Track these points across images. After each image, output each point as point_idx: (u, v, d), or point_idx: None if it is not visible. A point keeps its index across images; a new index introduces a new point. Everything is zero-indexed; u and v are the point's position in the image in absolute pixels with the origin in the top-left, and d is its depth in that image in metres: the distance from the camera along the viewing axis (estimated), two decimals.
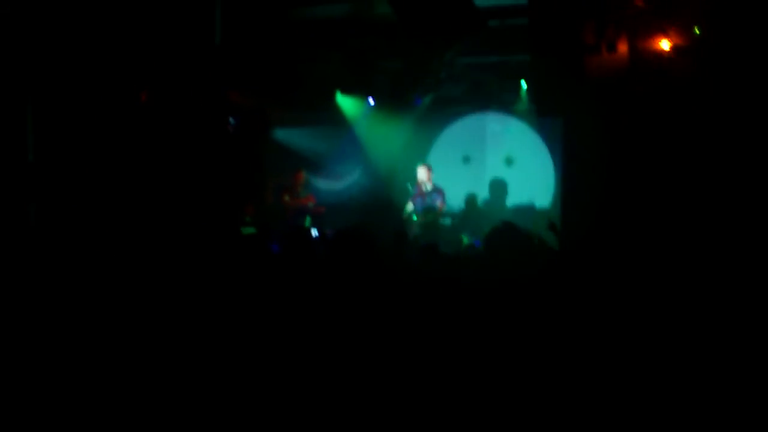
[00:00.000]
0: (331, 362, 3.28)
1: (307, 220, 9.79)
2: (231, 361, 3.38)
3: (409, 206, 9.48)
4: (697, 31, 6.16)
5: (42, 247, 6.27)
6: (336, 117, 11.18)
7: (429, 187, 9.46)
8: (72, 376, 3.38)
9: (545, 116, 9.38)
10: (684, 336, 3.36)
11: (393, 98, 10.78)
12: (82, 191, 7.84)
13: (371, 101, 10.98)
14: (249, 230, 8.85)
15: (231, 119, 10.53)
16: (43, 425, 3.18)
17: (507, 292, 3.58)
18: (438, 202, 9.43)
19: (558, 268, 4.21)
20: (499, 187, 10.76)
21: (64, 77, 7.74)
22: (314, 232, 8.77)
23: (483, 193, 10.83)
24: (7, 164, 6.91)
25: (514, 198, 10.57)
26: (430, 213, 9.37)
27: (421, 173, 9.48)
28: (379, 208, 10.35)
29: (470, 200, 10.46)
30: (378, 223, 9.21)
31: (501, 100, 10.73)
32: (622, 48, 6.50)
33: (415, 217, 9.42)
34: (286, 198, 10.07)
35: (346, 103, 11.08)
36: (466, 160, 11.47)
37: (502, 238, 4.33)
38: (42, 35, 7.17)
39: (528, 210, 9.79)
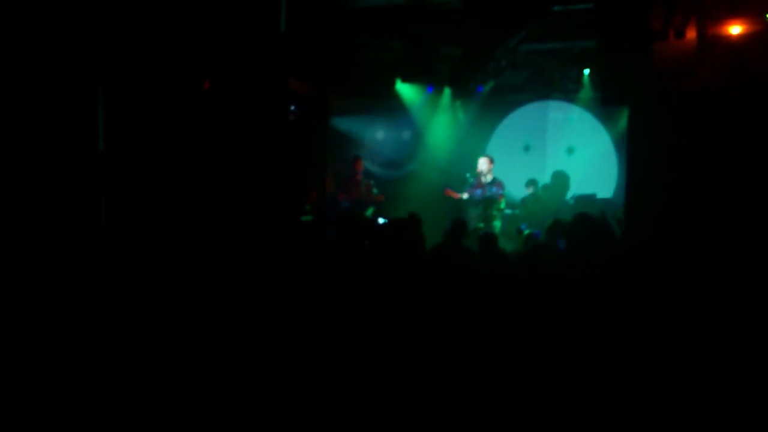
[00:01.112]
0: (382, 348, 3.27)
1: (370, 210, 9.77)
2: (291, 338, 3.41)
3: (465, 196, 9.38)
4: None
5: (112, 236, 6.37)
6: (396, 105, 11.13)
7: (489, 178, 9.35)
8: (159, 366, 3.44)
9: (610, 105, 9.15)
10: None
11: (453, 86, 10.68)
12: (150, 180, 7.98)
13: (431, 89, 10.89)
14: (307, 218, 8.88)
15: (293, 107, 10.60)
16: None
17: (589, 289, 3.52)
18: (498, 194, 9.30)
19: (632, 264, 4.11)
20: (560, 177, 10.57)
21: (132, 66, 7.87)
22: (380, 220, 8.78)
23: (543, 182, 10.65)
24: (78, 153, 7.03)
25: (575, 188, 10.36)
26: (490, 205, 9.26)
27: (482, 164, 9.37)
28: (437, 197, 10.27)
29: (530, 189, 10.29)
30: (436, 212, 9.16)
31: (563, 88, 10.51)
32: (691, 34, 6.29)
33: (473, 209, 9.32)
34: (342, 189, 10.07)
35: (406, 90, 11.02)
36: (527, 148, 11.31)
37: (587, 233, 4.25)
38: (110, 23, 7.28)
39: (589, 200, 9.57)
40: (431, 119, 11.22)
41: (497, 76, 10.29)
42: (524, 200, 10.11)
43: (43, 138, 6.61)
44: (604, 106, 9.47)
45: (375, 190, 9.94)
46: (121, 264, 4.91)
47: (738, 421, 2.90)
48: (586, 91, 10.13)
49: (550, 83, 10.51)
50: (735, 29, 6.16)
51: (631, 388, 3.05)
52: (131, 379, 3.34)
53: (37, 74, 6.65)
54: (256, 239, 6.33)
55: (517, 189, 10.25)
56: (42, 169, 6.51)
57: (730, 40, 6.18)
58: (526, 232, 8.41)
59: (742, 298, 3.68)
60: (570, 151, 10.94)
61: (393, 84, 10.85)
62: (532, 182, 10.18)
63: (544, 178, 10.66)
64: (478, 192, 9.33)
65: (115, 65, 7.52)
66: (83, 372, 3.41)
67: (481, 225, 9.03)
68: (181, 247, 5.69)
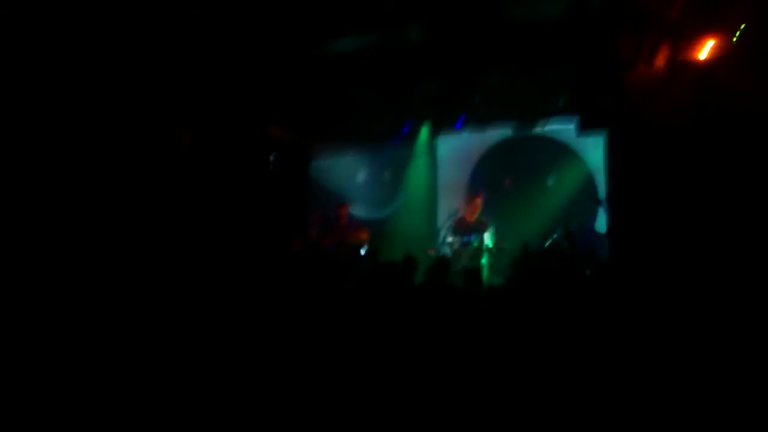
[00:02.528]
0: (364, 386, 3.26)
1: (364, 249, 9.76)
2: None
3: (448, 236, 9.35)
4: (735, 40, 6.01)
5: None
6: (376, 146, 11.16)
7: (474, 215, 9.35)
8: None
9: (587, 130, 9.20)
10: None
11: (431, 123, 10.73)
12: (128, 230, 7.94)
13: (407, 128, 10.94)
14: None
15: (272, 155, 10.61)
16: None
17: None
18: (484, 230, 9.28)
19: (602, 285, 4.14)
20: (542, 210, 10.55)
21: (106, 123, 7.88)
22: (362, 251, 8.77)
23: (525, 217, 10.62)
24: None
25: (559, 219, 10.36)
26: (476, 246, 9.23)
27: (466, 201, 9.39)
28: (422, 236, 10.25)
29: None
30: (421, 251, 9.10)
31: (540, 119, 10.54)
32: (661, 60, 6.37)
33: (459, 249, 9.29)
34: (327, 235, 10.04)
35: (385, 130, 11.05)
36: (507, 183, 11.31)
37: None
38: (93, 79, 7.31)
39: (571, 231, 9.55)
40: (411, 158, 11.25)
41: (473, 110, 10.34)
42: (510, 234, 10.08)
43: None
44: (580, 133, 9.52)
45: (360, 233, 9.92)
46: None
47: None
48: (564, 119, 10.17)
49: (527, 115, 10.54)
50: (703, 52, 6.25)
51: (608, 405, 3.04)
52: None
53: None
54: (237, 285, 6.28)
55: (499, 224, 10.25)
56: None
57: (698, 63, 6.26)
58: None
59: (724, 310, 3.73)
60: (551, 182, 10.95)
61: (372, 124, 10.89)
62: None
63: (527, 211, 10.65)
64: (464, 228, 9.32)
65: (91, 123, 7.54)
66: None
67: (468, 263, 8.98)
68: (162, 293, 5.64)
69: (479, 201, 9.42)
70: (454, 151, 11.19)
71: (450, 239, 9.36)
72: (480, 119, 10.81)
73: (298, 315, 4.23)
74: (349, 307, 4.28)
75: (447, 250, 9.36)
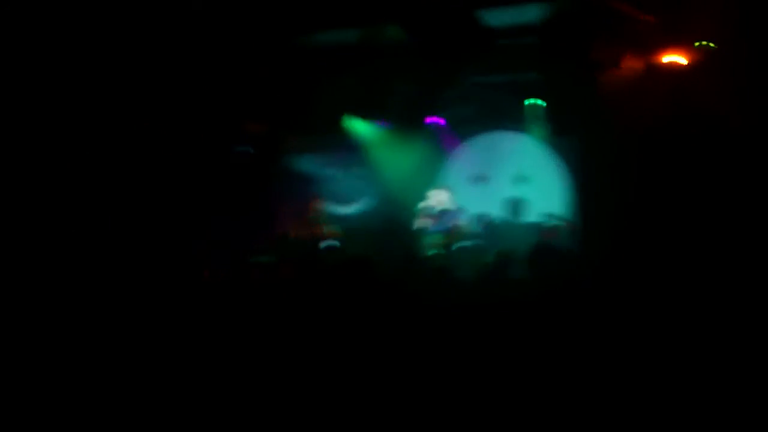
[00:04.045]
0: (331, 390, 3.27)
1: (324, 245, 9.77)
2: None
3: (422, 225, 9.41)
4: (709, 45, 6.14)
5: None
6: (348, 141, 11.18)
7: (446, 209, 9.41)
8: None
9: (560, 135, 9.33)
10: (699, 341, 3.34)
11: (405, 120, 10.77)
12: (99, 227, 7.90)
13: (383, 124, 10.98)
14: (264, 258, 8.82)
15: (245, 148, 10.60)
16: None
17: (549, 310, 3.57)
18: (457, 223, 9.36)
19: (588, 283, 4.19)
20: (513, 207, 10.68)
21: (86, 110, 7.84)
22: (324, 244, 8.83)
23: (497, 213, 10.73)
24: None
25: (530, 216, 10.48)
26: (451, 236, 9.29)
27: (439, 196, 9.44)
28: (392, 231, 10.28)
29: (484, 221, 10.37)
30: (391, 246, 9.15)
31: (513, 119, 10.67)
32: (633, 64, 6.49)
33: (432, 240, 9.35)
34: (297, 228, 10.05)
35: (357, 127, 11.08)
36: (479, 179, 11.40)
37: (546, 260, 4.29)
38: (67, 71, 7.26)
39: (540, 228, 9.67)
40: (383, 154, 11.27)
41: (447, 109, 10.42)
42: (481, 230, 10.17)
43: None
44: (554, 136, 9.65)
45: (331, 227, 9.95)
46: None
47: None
48: (536, 121, 10.29)
49: (501, 114, 10.66)
50: (673, 58, 6.37)
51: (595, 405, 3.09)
52: None
53: None
54: (201, 278, 6.29)
55: (472, 220, 10.33)
56: None
57: (669, 68, 6.39)
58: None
59: (694, 304, 3.80)
60: (522, 179, 11.06)
61: (345, 120, 10.91)
62: (483, 216, 10.27)
63: (498, 208, 10.76)
64: (438, 222, 9.38)
65: (69, 115, 7.48)
66: None
67: (435, 251, 9.04)
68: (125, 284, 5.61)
69: (447, 192, 9.51)
70: (427, 147, 11.22)
71: (423, 225, 9.43)
72: (454, 119, 10.90)
73: (256, 309, 4.24)
74: (312, 302, 4.29)
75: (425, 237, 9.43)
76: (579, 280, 4.27)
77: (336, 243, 9.46)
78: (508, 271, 6.03)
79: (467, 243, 9.52)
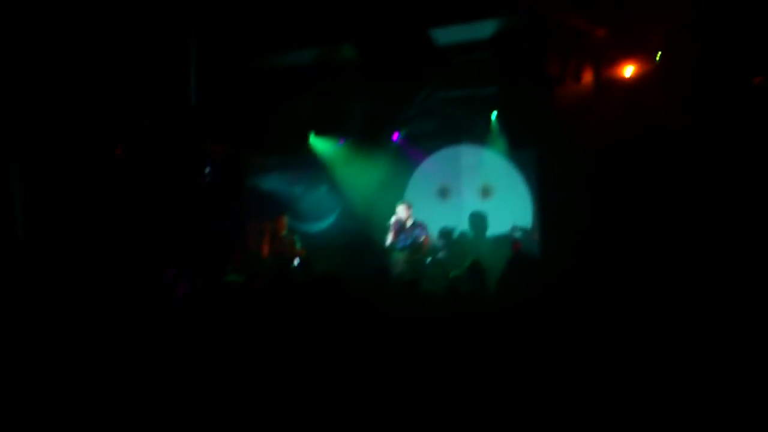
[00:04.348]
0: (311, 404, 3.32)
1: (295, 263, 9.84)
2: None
3: (390, 241, 9.49)
4: (658, 59, 6.37)
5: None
6: (312, 159, 11.26)
7: (410, 223, 9.51)
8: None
9: (517, 147, 9.52)
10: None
11: (366, 138, 10.89)
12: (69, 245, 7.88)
13: (342, 141, 11.09)
14: (233, 277, 8.85)
15: (207, 168, 10.60)
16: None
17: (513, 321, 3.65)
18: (422, 238, 9.47)
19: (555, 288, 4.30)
20: (477, 219, 10.82)
21: (46, 140, 7.82)
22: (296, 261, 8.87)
23: (462, 226, 10.89)
24: None
25: (493, 228, 10.63)
26: (417, 250, 9.40)
27: (401, 211, 9.54)
28: (359, 247, 10.38)
29: (448, 234, 10.52)
30: (359, 262, 9.24)
31: (473, 133, 10.84)
32: (587, 78, 6.69)
33: (398, 255, 9.44)
34: (266, 247, 10.07)
35: (320, 145, 11.17)
36: (443, 193, 11.56)
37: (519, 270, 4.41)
38: (26, 93, 7.24)
39: (505, 240, 9.84)
40: (347, 171, 11.37)
41: (408, 125, 10.57)
42: (446, 246, 10.30)
43: None
44: (513, 149, 9.84)
45: (298, 245, 10.00)
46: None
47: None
48: (496, 135, 10.47)
49: (461, 129, 10.83)
50: (627, 71, 6.59)
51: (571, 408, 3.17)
52: None
53: None
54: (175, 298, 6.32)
55: (437, 233, 10.48)
56: None
57: (622, 81, 6.61)
58: (451, 275, 8.61)
59: (656, 302, 3.94)
60: (485, 192, 11.22)
61: (307, 139, 11.00)
62: (446, 231, 10.42)
63: (462, 221, 10.91)
64: (402, 237, 9.47)
65: (31, 142, 7.46)
66: None
67: (406, 270, 9.15)
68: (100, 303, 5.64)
69: (409, 206, 9.63)
70: (390, 163, 11.34)
71: (389, 241, 9.52)
72: (415, 134, 11.05)
73: (233, 327, 4.28)
74: (283, 318, 4.35)
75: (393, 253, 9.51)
76: (548, 288, 4.40)
77: (301, 261, 9.55)
78: (480, 282, 6.18)
79: (434, 257, 9.68)
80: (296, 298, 5.07)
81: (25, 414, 3.56)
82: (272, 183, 11.57)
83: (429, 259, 9.47)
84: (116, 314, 5.53)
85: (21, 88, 7.18)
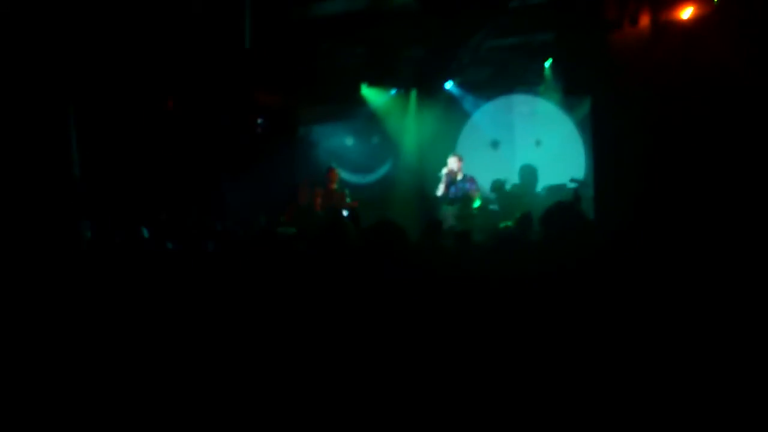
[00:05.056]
0: (355, 356, 3.30)
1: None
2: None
3: (440, 193, 9.42)
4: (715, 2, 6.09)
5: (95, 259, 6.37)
6: (363, 110, 11.20)
7: (460, 176, 9.42)
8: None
9: (572, 95, 9.29)
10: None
11: (418, 87, 10.78)
12: (123, 198, 8.04)
13: (394, 91, 10.99)
14: (287, 230, 8.91)
15: (260, 120, 10.64)
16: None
17: (566, 279, 3.55)
18: (471, 190, 9.37)
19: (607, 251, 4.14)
20: (529, 172, 10.68)
21: (101, 87, 7.92)
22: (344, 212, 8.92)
23: (513, 177, 10.76)
24: (53, 176, 7.04)
25: (546, 179, 10.48)
26: (467, 204, 9.32)
27: (452, 163, 9.44)
28: (410, 199, 10.36)
29: (500, 187, 10.40)
30: (411, 213, 9.23)
31: (527, 81, 10.65)
32: (645, 21, 6.45)
33: (448, 208, 9.38)
34: (318, 200, 10.08)
35: (372, 95, 11.09)
36: (495, 144, 11.42)
37: (561, 221, 4.28)
38: (78, 47, 7.31)
39: (561, 190, 9.70)
40: (399, 122, 11.30)
41: (461, 73, 10.41)
42: (497, 197, 10.20)
43: (20, 162, 6.65)
44: (566, 96, 9.62)
45: (348, 199, 10.01)
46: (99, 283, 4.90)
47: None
48: (550, 83, 10.25)
49: (514, 77, 10.65)
50: (685, 13, 6.33)
51: (617, 385, 3.07)
52: None
53: (11, 100, 6.68)
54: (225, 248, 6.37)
55: (488, 185, 10.37)
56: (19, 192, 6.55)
57: (681, 24, 6.35)
58: (501, 225, 8.53)
59: (720, 286, 3.70)
60: (538, 143, 11.06)
61: (359, 89, 10.93)
62: (498, 182, 10.30)
63: (514, 172, 10.78)
64: (452, 190, 9.39)
65: (85, 88, 7.56)
66: None
67: (456, 223, 9.09)
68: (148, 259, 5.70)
69: (460, 159, 9.52)
70: (442, 113, 11.22)
71: (440, 193, 9.45)
72: (468, 83, 10.89)
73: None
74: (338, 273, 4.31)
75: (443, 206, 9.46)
76: (595, 244, 4.26)
77: (350, 213, 9.57)
78: (529, 234, 6.08)
79: (485, 209, 9.59)
80: (346, 251, 5.02)
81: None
82: (323, 134, 11.57)
83: (478, 212, 9.39)
84: (162, 261, 5.61)
85: (73, 34, 7.22)
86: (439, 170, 9.49)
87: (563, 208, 4.35)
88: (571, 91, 8.09)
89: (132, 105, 8.63)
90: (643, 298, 3.45)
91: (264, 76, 9.78)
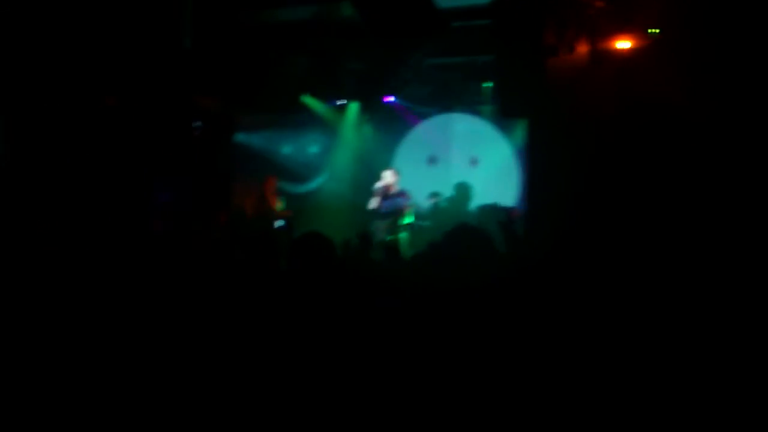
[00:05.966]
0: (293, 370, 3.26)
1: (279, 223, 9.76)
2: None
3: (373, 206, 9.42)
4: (655, 31, 6.27)
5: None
6: (302, 120, 11.15)
7: (395, 190, 9.45)
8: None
9: (509, 117, 9.43)
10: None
11: (359, 100, 10.79)
12: (51, 196, 7.80)
13: (335, 102, 10.99)
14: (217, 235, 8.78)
15: (196, 123, 10.48)
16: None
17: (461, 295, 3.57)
18: (404, 205, 9.41)
19: (517, 271, 4.21)
20: (463, 189, 10.79)
21: (35, 85, 7.69)
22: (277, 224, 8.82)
23: (448, 194, 10.85)
24: None
25: (480, 198, 10.60)
26: (398, 218, 9.35)
27: (388, 176, 9.47)
28: (344, 210, 10.34)
29: (433, 200, 10.49)
30: (343, 226, 9.19)
31: (466, 101, 10.78)
32: (582, 49, 6.60)
33: (379, 222, 9.39)
34: (250, 206, 9.98)
35: (313, 105, 11.06)
36: (432, 160, 11.51)
37: (461, 239, 4.33)
38: (11, 40, 7.11)
39: (492, 210, 9.82)
40: (338, 133, 11.29)
41: (402, 89, 10.47)
42: (431, 211, 10.27)
43: None
44: (504, 117, 9.76)
45: (282, 206, 9.92)
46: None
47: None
48: (488, 104, 10.40)
49: (455, 96, 10.75)
50: (622, 44, 6.50)
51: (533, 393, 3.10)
52: None
53: None
54: (157, 256, 6.24)
55: (422, 201, 10.44)
56: None
57: (618, 54, 6.52)
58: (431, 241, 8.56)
59: (644, 301, 3.80)
60: (474, 162, 11.19)
61: (299, 99, 10.88)
62: (434, 194, 10.36)
63: (449, 190, 10.87)
64: (385, 204, 9.41)
65: (17, 85, 7.34)
66: None
67: (388, 237, 9.11)
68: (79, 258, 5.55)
69: (396, 173, 9.56)
70: (381, 127, 11.27)
71: (373, 206, 9.45)
72: (409, 98, 10.95)
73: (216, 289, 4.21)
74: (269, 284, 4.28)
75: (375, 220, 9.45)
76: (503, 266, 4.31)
77: (285, 222, 9.49)
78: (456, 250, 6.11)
79: (416, 223, 9.64)
80: (276, 258, 5.00)
81: None
82: (261, 141, 11.46)
83: (412, 225, 9.45)
84: (94, 260, 5.48)
85: (8, 32, 7.02)
86: (374, 184, 9.51)
87: (466, 230, 4.38)
88: (507, 113, 8.20)
89: (63, 100, 8.39)
90: (553, 309, 3.51)
91: (204, 79, 9.65)
